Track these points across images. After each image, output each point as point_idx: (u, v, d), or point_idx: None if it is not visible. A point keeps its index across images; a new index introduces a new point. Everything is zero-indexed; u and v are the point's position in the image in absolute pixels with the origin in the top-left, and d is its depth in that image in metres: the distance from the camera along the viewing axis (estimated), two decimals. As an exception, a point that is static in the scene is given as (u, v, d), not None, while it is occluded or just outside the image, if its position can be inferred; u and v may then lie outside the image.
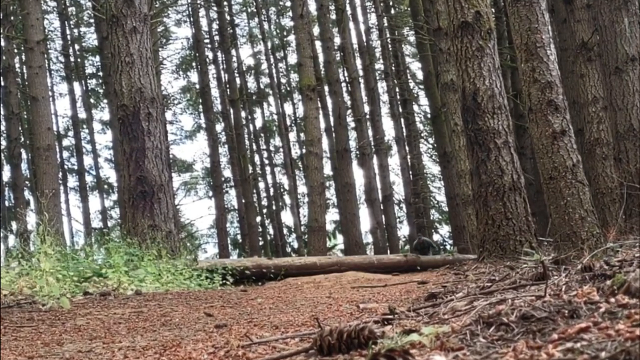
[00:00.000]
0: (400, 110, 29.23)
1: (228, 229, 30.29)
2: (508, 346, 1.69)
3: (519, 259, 7.78)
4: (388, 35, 28.81)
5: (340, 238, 30.16)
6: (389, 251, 23.52)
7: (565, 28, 14.83)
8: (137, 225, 10.90)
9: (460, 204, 17.50)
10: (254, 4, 30.84)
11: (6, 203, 23.87)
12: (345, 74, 26.36)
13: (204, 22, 29.92)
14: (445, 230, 31.08)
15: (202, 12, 29.57)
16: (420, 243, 17.57)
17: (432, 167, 32.56)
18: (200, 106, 30.17)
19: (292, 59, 31.78)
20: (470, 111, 9.86)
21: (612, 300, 1.92)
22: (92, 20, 26.81)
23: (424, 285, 6.98)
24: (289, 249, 30.77)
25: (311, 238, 18.47)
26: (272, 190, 31.08)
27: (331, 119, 24.26)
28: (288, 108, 33.38)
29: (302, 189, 31.91)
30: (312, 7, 24.95)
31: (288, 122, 32.42)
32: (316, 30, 25.20)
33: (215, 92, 29.80)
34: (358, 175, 31.59)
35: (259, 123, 32.55)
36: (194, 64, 30.38)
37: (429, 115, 27.24)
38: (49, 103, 17.30)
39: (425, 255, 14.77)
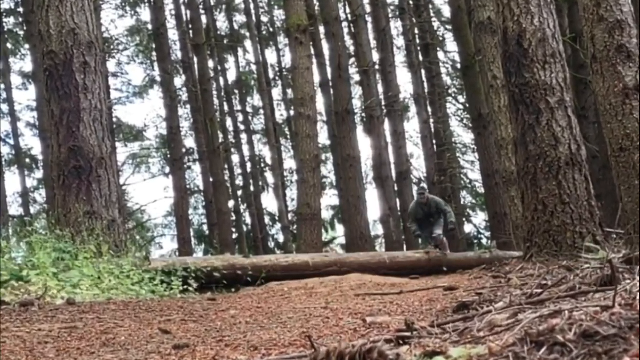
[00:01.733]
0: (421, 58, 29.12)
1: (191, 217, 30.28)
2: (565, 374, 1.67)
3: (579, 257, 7.79)
4: (405, -42, 28.64)
5: (340, 229, 30.21)
6: (405, 247, 23.55)
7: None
8: (69, 212, 10.87)
9: (500, 184, 17.49)
10: None
11: None
12: (348, 11, 26.22)
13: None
14: (480, 218, 31.19)
15: None
16: (424, 204, 14.20)
17: (462, 135, 32.59)
18: (154, 53, 29.98)
19: (277, -11, 31.61)
20: (514, 59, 9.82)
21: None
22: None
23: (452, 293, 6.98)
24: (272, 244, 30.82)
25: (302, 229, 18.48)
26: (249, 165, 31.06)
27: (328, 70, 24.13)
28: (271, 56, 33.31)
29: (289, 163, 31.93)
30: None
31: (271, 75, 32.32)
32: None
33: (173, 34, 29.69)
34: (364, 145, 31.60)
35: (232, 76, 32.48)
36: (144, -4, 30.21)
37: (458, 66, 27.10)
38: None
39: (433, 228, 14.11)
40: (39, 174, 29.31)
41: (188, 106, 30.41)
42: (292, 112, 28.33)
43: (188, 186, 29.99)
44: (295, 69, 19.37)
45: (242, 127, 31.97)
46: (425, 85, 29.27)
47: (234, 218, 29.32)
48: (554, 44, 9.78)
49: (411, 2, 29.41)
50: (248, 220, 30.62)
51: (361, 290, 8.01)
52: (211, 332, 4.93)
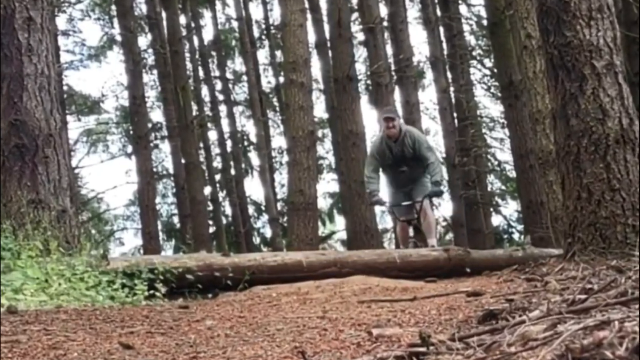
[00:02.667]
0: (439, 13, 29.10)
1: (159, 207, 30.34)
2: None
3: (631, 255, 7.80)
4: None
5: (340, 222, 30.26)
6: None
7: None
8: (10, 201, 10.86)
9: (535, 167, 17.50)
10: None
11: None
12: (349, -46, 26.21)
13: None
14: (511, 208, 31.24)
15: None
16: (393, 139, 11.99)
17: (490, 107, 32.62)
18: (113, 7, 29.94)
19: None
20: (552, 14, 9.80)
21: None
22: None
23: (476, 299, 6.98)
24: (257, 240, 30.89)
25: (294, 221, 18.50)
26: (229, 143, 31.05)
27: (326, 27, 24.10)
28: (256, 10, 33.25)
29: (278, 141, 31.95)
30: None
31: (256, 33, 32.26)
32: None
33: (136, -17, 29.61)
34: (369, 119, 31.53)
35: (208, 35, 32.42)
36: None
37: (484, 22, 27.08)
38: None
39: (411, 190, 12.11)
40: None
41: (155, 71, 30.43)
42: (281, 79, 28.32)
43: (155, 169, 30.01)
44: (285, 26, 19.34)
45: (220, 97, 31.97)
46: (444, 46, 29.26)
47: (210, 208, 29.37)
48: (601, -5, 9.78)
49: (427, -56, 29.40)
50: (228, 210, 30.71)
51: (366, 296, 8.01)
52: (183, 347, 4.93)
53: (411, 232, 12.42)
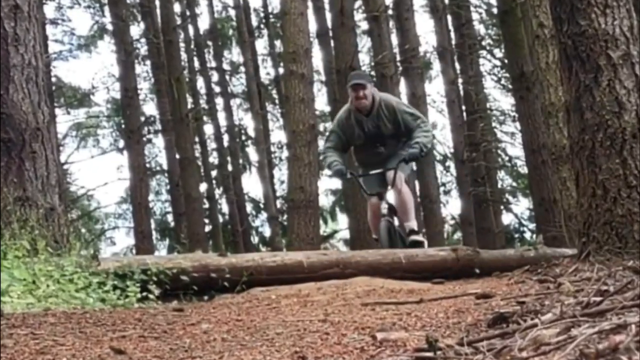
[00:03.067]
0: (447, 0, 29.09)
1: (152, 205, 30.34)
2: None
3: (648, 255, 7.80)
4: None
5: (343, 220, 30.26)
6: (426, 242, 23.60)
7: None
8: (-5, 199, 10.88)
9: (548, 162, 17.49)
10: None
11: None
12: (352, -61, 26.21)
13: None
14: (523, 206, 31.22)
15: None
16: (363, 112, 10.03)
17: (500, 99, 32.58)
18: (104, -6, 29.99)
19: None
20: (565, 2, 9.79)
21: None
22: None
23: (486, 301, 6.99)
24: (255, 239, 30.90)
25: (294, 220, 18.50)
26: (226, 138, 31.06)
27: (328, 15, 24.12)
28: (254, -3, 33.23)
29: (278, 135, 31.95)
30: None
31: (254, 22, 32.25)
32: None
33: (128, -31, 29.62)
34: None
35: (204, 23, 32.43)
36: None
37: (494, 11, 27.07)
38: None
39: (385, 163, 10.33)
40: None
41: (148, 62, 30.44)
42: (281, 70, 28.31)
43: (148, 165, 29.99)
44: (285, 15, 19.33)
45: (217, 89, 31.96)
46: (452, 35, 29.26)
47: (206, 206, 29.36)
48: (617, -18, 9.78)
49: None
50: (225, 208, 30.73)
51: (370, 298, 8.02)
52: (177, 352, 4.93)
53: (385, 209, 10.40)
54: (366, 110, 9.90)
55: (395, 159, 9.98)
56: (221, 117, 31.29)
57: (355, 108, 9.96)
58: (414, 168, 9.70)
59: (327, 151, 10.23)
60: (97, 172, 53.28)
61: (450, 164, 29.63)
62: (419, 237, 10.94)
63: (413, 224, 10.68)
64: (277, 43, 29.99)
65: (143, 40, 29.79)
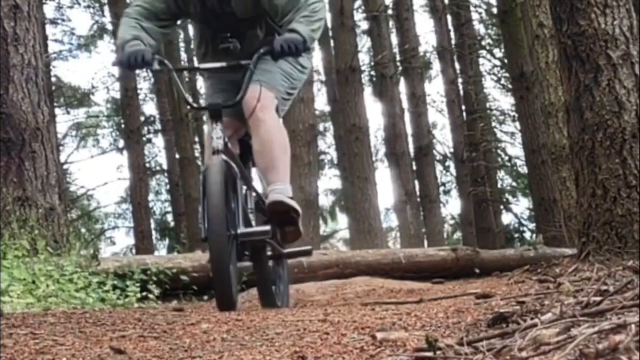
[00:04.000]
0: (447, 0, 29.07)
1: (152, 205, 30.27)
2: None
3: (648, 255, 7.80)
4: None
5: (343, 220, 30.23)
6: (426, 242, 23.57)
7: None
8: (-5, 199, 10.88)
9: (548, 162, 17.48)
10: None
11: None
12: (353, -63, 26.19)
13: None
14: (522, 206, 31.15)
15: None
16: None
17: (500, 99, 32.51)
18: (103, -6, 29.97)
19: None
20: (565, 2, 9.80)
21: None
22: None
23: (486, 301, 6.98)
24: (255, 239, 30.78)
25: (294, 220, 18.48)
26: (226, 138, 30.98)
27: (328, 16, 24.08)
28: (254, -3, 33.12)
29: (277, 136, 31.78)
30: None
31: (254, 22, 32.19)
32: None
33: (128, -31, 29.57)
34: (374, 112, 31.50)
35: (204, 23, 32.29)
36: None
37: (494, 11, 27.05)
38: None
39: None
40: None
41: (148, 62, 30.33)
42: (281, 70, 28.24)
43: (148, 165, 29.90)
44: (285, 15, 19.29)
45: (217, 89, 31.87)
46: (452, 35, 29.22)
47: (207, 206, 29.26)
48: (617, -18, 9.79)
49: None
50: (225, 208, 30.61)
51: (370, 299, 8.03)
52: (177, 352, 4.92)
53: (219, 141, 5.59)
54: None
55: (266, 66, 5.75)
56: (221, 117, 31.23)
57: None
58: (299, 78, 6.07)
59: (128, 21, 5.82)
60: (97, 172, 53.19)
61: (450, 164, 29.58)
62: (290, 201, 6.34)
63: (284, 187, 6.33)
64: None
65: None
